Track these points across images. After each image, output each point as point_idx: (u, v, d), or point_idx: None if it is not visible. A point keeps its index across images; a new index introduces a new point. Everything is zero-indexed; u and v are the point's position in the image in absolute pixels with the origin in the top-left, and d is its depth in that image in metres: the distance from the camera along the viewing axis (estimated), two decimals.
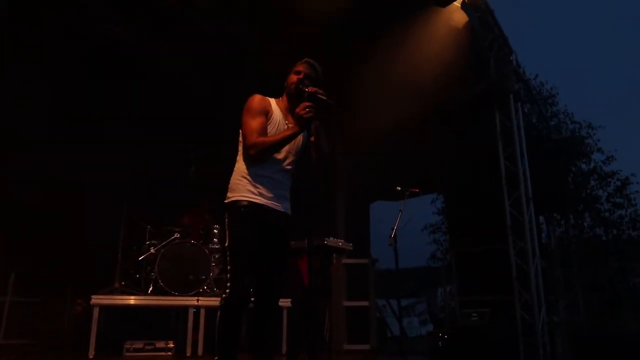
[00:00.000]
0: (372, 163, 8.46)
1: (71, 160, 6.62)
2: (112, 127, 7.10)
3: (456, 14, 5.99)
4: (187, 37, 6.27)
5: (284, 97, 3.08)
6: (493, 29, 6.96)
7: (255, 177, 2.88)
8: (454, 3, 5.85)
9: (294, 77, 2.99)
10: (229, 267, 2.74)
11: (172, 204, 7.01)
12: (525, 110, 7.88)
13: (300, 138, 2.99)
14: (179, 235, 6.34)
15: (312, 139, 2.84)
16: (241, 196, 2.84)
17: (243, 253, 2.76)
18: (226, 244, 2.81)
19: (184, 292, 5.80)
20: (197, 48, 6.45)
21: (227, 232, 2.83)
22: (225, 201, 2.90)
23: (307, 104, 2.75)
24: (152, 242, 6.37)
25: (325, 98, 2.78)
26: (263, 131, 2.87)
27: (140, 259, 6.15)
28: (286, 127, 2.95)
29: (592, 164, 9.64)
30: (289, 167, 3.02)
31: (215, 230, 6.67)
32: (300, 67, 3.02)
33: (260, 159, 2.87)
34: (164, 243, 6.16)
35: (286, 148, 2.95)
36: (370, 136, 7.70)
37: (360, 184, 8.79)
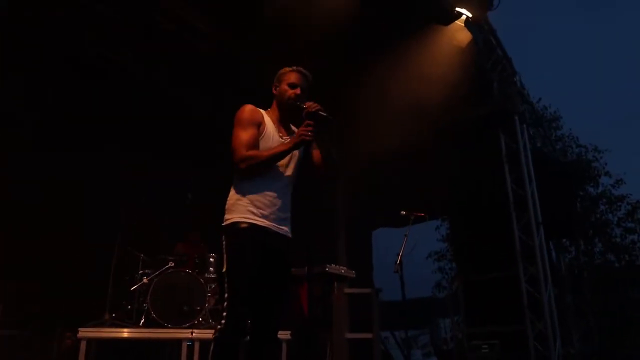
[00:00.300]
0: (374, 188, 8.24)
1: (60, 187, 6.41)
2: (105, 152, 6.91)
3: (459, 34, 5.86)
4: (184, 59, 6.14)
5: (275, 108, 2.91)
6: (496, 49, 6.84)
7: (257, 196, 2.67)
8: (457, 22, 5.72)
9: (288, 91, 2.82)
10: (226, 295, 2.51)
11: (167, 231, 6.76)
12: (530, 133, 7.71)
13: (296, 152, 2.81)
14: (173, 264, 6.06)
15: (320, 153, 2.75)
16: (241, 217, 2.62)
17: (242, 279, 2.53)
18: (223, 270, 2.57)
19: (177, 324, 5.48)
20: (194, 69, 6.31)
21: (224, 256, 2.59)
22: (223, 223, 2.67)
23: (309, 122, 2.62)
24: (146, 271, 6.09)
25: (326, 114, 2.63)
26: (254, 144, 2.68)
27: (132, 289, 5.85)
28: (280, 138, 2.76)
29: (601, 188, 9.43)
30: (290, 184, 2.82)
31: (211, 259, 6.42)
32: (294, 79, 2.84)
33: (250, 174, 2.68)
34: (157, 272, 5.88)
35: (286, 162, 2.76)
36: (372, 160, 7.51)
37: (362, 210, 8.54)
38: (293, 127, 2.93)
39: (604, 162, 9.72)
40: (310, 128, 2.60)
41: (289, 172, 2.81)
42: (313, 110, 2.64)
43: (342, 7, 5.07)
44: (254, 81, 6.19)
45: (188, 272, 5.92)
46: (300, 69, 2.87)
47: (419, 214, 5.02)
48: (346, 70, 6.40)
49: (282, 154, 2.68)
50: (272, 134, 2.77)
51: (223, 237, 2.64)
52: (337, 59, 6.11)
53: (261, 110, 2.84)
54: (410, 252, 4.62)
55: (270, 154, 2.66)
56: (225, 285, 2.54)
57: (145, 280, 5.83)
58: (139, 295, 5.82)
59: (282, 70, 2.90)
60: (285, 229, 2.76)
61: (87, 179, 6.72)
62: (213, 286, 6.14)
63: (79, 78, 6.22)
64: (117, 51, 6.06)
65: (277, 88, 2.87)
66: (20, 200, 6.18)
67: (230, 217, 2.65)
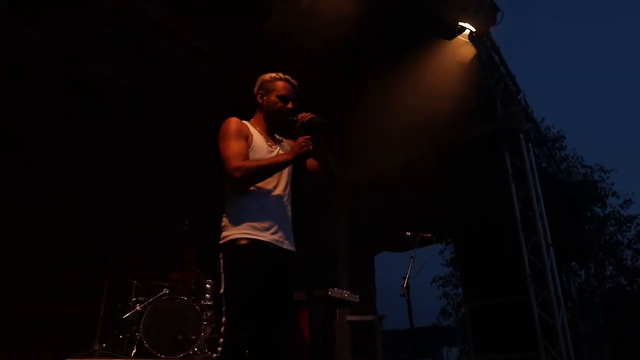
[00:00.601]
0: (376, 208, 8.00)
1: (51, 210, 6.20)
2: (97, 176, 6.71)
3: (462, 48, 5.73)
4: (182, 76, 6.01)
5: (260, 118, 2.74)
6: (499, 67, 6.72)
7: (255, 210, 2.50)
8: (460, 37, 5.59)
9: (278, 103, 2.67)
10: (223, 319, 2.30)
11: (163, 258, 6.52)
12: (535, 152, 7.52)
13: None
14: (168, 291, 5.81)
15: (316, 161, 2.63)
16: (241, 233, 2.44)
17: (242, 298, 2.32)
18: (221, 291, 2.37)
19: (171, 354, 5.22)
20: (190, 88, 6.18)
21: (222, 276, 2.40)
22: (221, 241, 2.48)
23: (307, 137, 2.49)
24: (139, 298, 5.84)
25: (320, 121, 2.52)
26: (246, 155, 2.53)
27: (124, 317, 5.59)
28: (269, 148, 2.64)
29: (608, 209, 9.18)
30: (287, 195, 2.69)
31: (207, 285, 6.16)
32: (283, 90, 2.69)
33: (245, 183, 2.51)
34: (151, 300, 5.63)
35: (283, 174, 2.63)
36: (373, 179, 7.32)
37: (364, 232, 8.29)
38: (278, 137, 2.80)
39: (610, 182, 9.51)
40: (310, 143, 2.47)
41: (284, 182, 2.66)
42: (307, 120, 2.52)
43: (344, 21, 4.96)
44: (252, 103, 6.07)
45: (183, 299, 5.67)
46: (288, 77, 2.73)
47: (425, 235, 4.81)
48: (348, 88, 6.29)
49: (280, 165, 2.54)
50: (260, 145, 2.63)
51: (221, 255, 2.45)
52: (339, 75, 6.00)
53: (245, 122, 2.69)
54: (418, 275, 4.38)
55: (268, 163, 2.52)
56: (223, 308, 2.33)
57: (138, 307, 5.60)
58: (131, 323, 5.56)
59: (267, 77, 2.75)
60: (287, 243, 2.58)
61: (79, 202, 6.52)
62: (209, 314, 5.90)
63: (75, 95, 6.09)
64: (116, 69, 5.96)
65: (264, 98, 2.72)
66: (10, 224, 5.97)
67: (229, 234, 2.46)
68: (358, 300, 4.84)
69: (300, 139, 2.49)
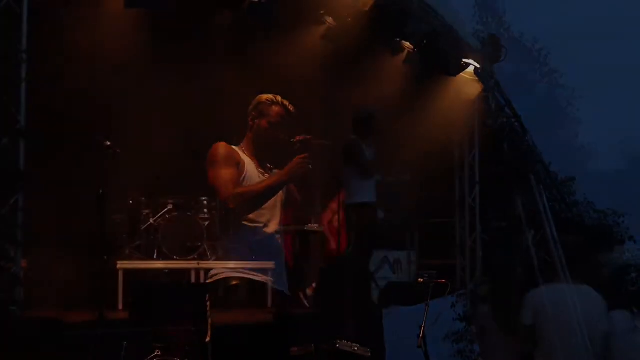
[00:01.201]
0: None
1: None
2: None
3: (467, 87, 5.60)
4: None
5: (249, 142, 2.53)
6: (504, 108, 6.59)
7: (249, 245, 2.36)
8: (464, 75, 5.45)
9: (268, 130, 2.56)
10: None
11: None
12: (547, 195, 7.26)
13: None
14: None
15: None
16: (233, 272, 2.33)
17: (233, 348, 2.12)
18: (207, 339, 2.06)
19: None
20: None
21: (209, 320, 2.08)
22: (209, 280, 2.33)
23: (303, 156, 2.38)
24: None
25: (321, 141, 2.50)
26: (238, 183, 2.39)
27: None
28: (261, 177, 2.39)
29: (627, 255, 8.74)
30: (280, 228, 2.43)
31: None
32: (277, 118, 2.57)
33: (241, 212, 2.34)
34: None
35: (276, 204, 2.37)
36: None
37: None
38: (269, 165, 2.63)
39: (625, 226, 9.10)
40: (307, 162, 2.35)
41: (277, 216, 2.51)
42: (302, 139, 2.44)
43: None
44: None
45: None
46: (286, 102, 2.59)
47: (439, 281, 4.46)
48: None
49: (278, 187, 2.40)
50: (253, 173, 2.49)
51: (207, 297, 2.13)
52: None
53: (234, 147, 2.54)
54: (434, 324, 4.00)
55: (265, 185, 2.32)
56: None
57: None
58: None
59: (263, 99, 2.59)
60: (281, 284, 2.38)
61: None
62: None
63: None
64: None
65: (255, 121, 2.54)
66: None
67: (219, 273, 2.35)
68: (369, 354, 4.39)
69: (296, 158, 2.33)
